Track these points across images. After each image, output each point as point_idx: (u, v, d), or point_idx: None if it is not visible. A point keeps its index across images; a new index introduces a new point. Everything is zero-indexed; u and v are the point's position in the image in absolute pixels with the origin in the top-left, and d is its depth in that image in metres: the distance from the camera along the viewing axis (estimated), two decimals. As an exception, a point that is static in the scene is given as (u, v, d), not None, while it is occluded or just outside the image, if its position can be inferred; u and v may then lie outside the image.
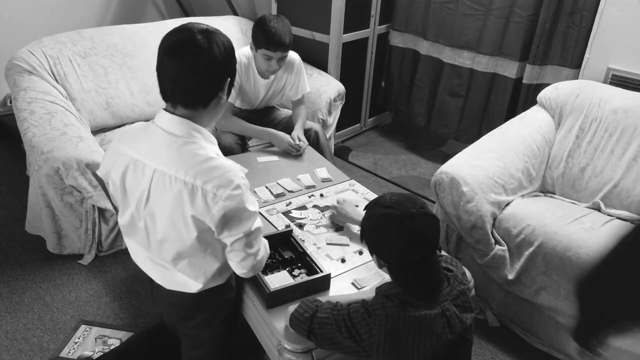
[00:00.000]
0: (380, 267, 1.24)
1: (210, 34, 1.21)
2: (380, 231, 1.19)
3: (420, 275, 1.18)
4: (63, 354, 1.89)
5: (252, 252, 1.30)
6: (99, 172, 1.43)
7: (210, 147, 1.26)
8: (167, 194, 1.22)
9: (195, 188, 1.19)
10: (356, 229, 1.75)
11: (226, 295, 1.48)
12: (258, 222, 1.30)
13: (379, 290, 1.25)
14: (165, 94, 1.23)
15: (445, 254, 1.39)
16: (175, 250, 1.30)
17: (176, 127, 1.23)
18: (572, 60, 2.63)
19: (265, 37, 2.17)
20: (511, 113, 2.88)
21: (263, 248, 1.35)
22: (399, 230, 1.15)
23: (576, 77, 2.60)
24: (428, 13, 3.15)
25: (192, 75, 1.18)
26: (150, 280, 1.43)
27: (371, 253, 1.25)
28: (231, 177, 1.20)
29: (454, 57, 3.10)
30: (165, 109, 1.26)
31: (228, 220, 1.22)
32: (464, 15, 2.96)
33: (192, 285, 1.36)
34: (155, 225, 1.29)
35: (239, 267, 1.32)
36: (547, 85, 2.51)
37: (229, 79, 1.26)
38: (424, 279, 1.18)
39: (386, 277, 1.53)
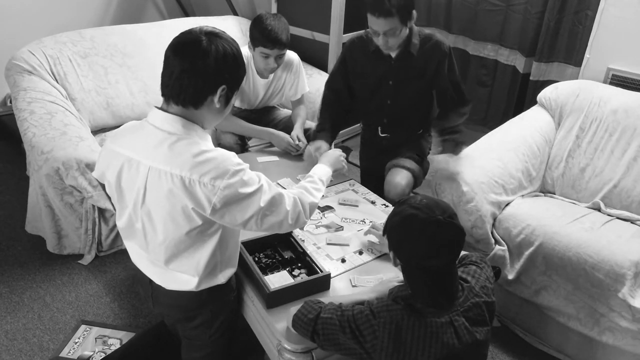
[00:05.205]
0: (395, 265, 1.23)
1: (215, 37, 1.22)
2: (403, 230, 1.18)
3: (433, 283, 1.16)
4: (63, 354, 1.89)
5: (276, 222, 1.32)
6: (94, 174, 1.44)
7: (203, 143, 1.25)
8: (164, 191, 1.22)
9: (193, 182, 1.19)
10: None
11: (226, 296, 1.48)
12: (264, 199, 1.27)
13: (391, 292, 1.24)
14: (162, 87, 1.25)
15: (476, 261, 1.35)
16: (173, 247, 1.30)
17: (169, 124, 1.23)
18: (577, 59, 2.64)
19: (261, 35, 2.17)
20: (519, 107, 2.90)
21: (291, 209, 1.34)
22: (421, 233, 1.14)
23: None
24: (451, 8, 3.15)
25: (185, 72, 1.20)
26: (150, 281, 1.43)
27: (390, 249, 1.24)
28: (226, 166, 1.21)
29: (479, 49, 3.12)
30: (160, 107, 1.27)
31: (232, 208, 1.23)
32: (485, 11, 2.98)
33: (190, 281, 1.36)
34: (153, 224, 1.29)
35: (279, 232, 1.39)
36: (553, 82, 2.51)
37: (224, 87, 1.24)
38: (435, 287, 1.16)
39: (385, 277, 1.53)
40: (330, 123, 2.24)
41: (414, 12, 1.89)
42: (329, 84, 2.29)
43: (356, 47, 2.12)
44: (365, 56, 2.08)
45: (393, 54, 2.02)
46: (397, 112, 2.18)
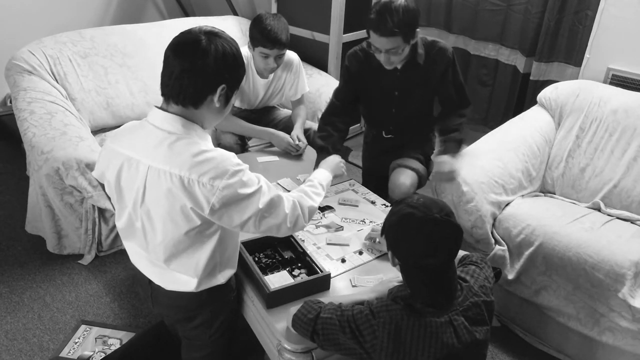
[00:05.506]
0: (393, 265, 1.23)
1: (214, 37, 1.23)
2: (400, 229, 1.18)
3: (431, 282, 1.16)
4: (63, 354, 1.89)
5: (274, 224, 1.31)
6: (94, 174, 1.44)
7: (202, 142, 1.26)
8: (163, 190, 1.22)
9: (192, 181, 1.20)
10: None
11: (226, 296, 1.48)
12: (263, 201, 1.27)
13: (390, 291, 1.25)
14: (162, 87, 1.25)
15: (476, 261, 1.35)
16: (172, 247, 1.30)
17: (169, 124, 1.24)
18: (577, 59, 2.64)
19: (261, 35, 2.17)
20: (519, 107, 2.90)
21: (290, 212, 1.33)
22: (418, 232, 1.14)
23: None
24: (451, 8, 3.16)
25: (185, 72, 1.20)
26: (149, 282, 1.43)
27: (387, 249, 1.24)
28: (226, 166, 1.21)
29: (479, 49, 3.12)
30: (160, 107, 1.27)
31: (230, 208, 1.23)
32: (485, 11, 2.98)
33: (189, 282, 1.36)
34: (152, 223, 1.29)
35: (277, 235, 1.38)
36: (553, 82, 2.51)
37: (224, 86, 1.24)
38: (434, 287, 1.16)
39: (385, 277, 1.53)
40: (333, 141, 2.12)
41: (418, 29, 1.85)
42: (335, 93, 2.23)
43: (359, 59, 2.06)
44: (369, 68, 2.03)
45: (399, 66, 1.98)
46: (402, 119, 2.16)
